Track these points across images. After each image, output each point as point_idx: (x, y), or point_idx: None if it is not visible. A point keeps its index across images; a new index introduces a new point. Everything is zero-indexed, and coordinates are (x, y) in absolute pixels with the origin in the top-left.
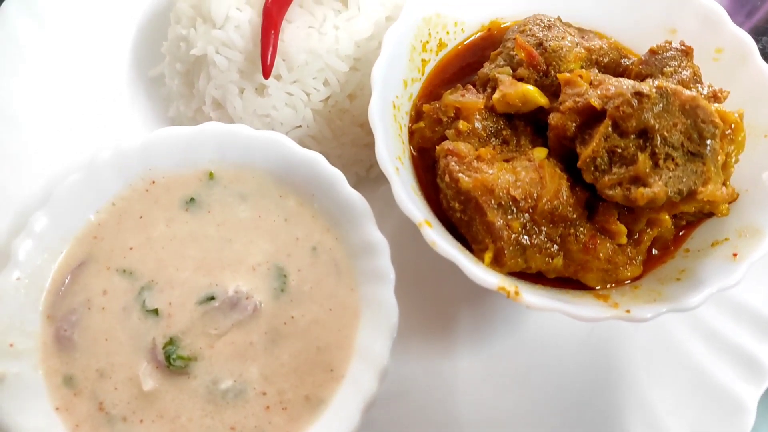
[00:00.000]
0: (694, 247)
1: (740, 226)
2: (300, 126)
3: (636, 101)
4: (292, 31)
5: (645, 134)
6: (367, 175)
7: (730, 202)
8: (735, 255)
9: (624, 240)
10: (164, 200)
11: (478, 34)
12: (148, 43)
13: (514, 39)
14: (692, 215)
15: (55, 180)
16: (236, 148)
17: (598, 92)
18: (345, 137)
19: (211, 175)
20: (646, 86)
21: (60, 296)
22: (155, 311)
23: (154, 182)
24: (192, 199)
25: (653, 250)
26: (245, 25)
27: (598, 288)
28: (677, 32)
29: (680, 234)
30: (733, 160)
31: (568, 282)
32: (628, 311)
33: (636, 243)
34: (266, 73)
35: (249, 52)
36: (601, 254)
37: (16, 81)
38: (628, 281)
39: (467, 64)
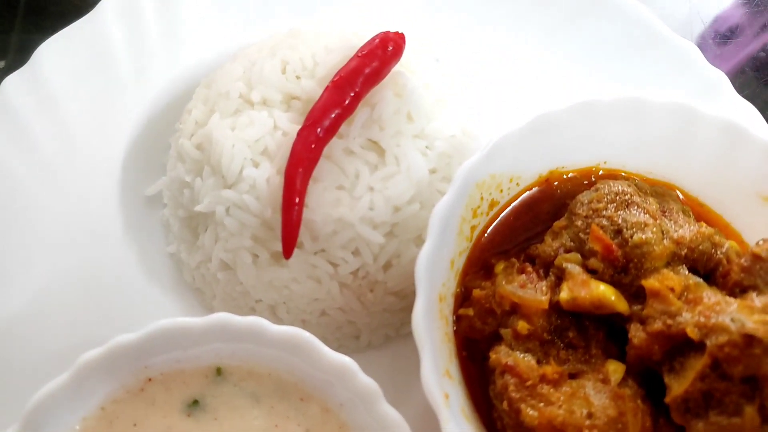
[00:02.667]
0: None
1: None
2: (320, 299)
3: (744, 343)
4: (319, 194)
5: (754, 381)
6: (397, 334)
7: None
8: None
9: None
10: (162, 402)
11: (535, 188)
12: (143, 149)
13: (586, 218)
14: None
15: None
16: (251, 343)
17: (696, 318)
18: (375, 307)
19: (219, 371)
20: (757, 325)
21: None
22: None
23: (150, 380)
24: (195, 402)
25: None
26: (262, 186)
27: None
28: None
29: None
30: None
31: None
32: None
33: None
34: (287, 253)
35: (265, 217)
36: None
37: None
38: None
39: (522, 224)
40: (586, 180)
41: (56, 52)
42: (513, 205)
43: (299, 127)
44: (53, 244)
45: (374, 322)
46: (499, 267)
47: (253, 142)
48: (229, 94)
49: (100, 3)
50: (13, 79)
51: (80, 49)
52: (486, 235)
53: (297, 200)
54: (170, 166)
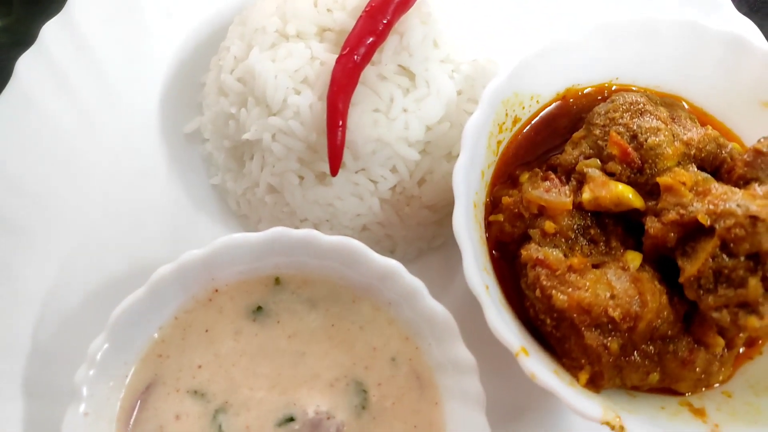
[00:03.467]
0: None
1: None
2: (363, 215)
3: (750, 224)
4: (357, 116)
5: (756, 257)
6: (429, 247)
7: None
8: None
9: (720, 349)
10: (229, 310)
11: (554, 104)
12: (176, 90)
13: (603, 127)
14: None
15: (106, 271)
16: (306, 254)
17: (706, 206)
18: (411, 220)
19: (277, 281)
20: (760, 208)
21: (132, 425)
22: None
23: (217, 291)
24: (259, 308)
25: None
26: (305, 111)
27: (687, 394)
28: None
29: None
30: None
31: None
32: None
33: (729, 347)
34: (334, 171)
35: (310, 140)
36: (698, 368)
37: (34, 148)
38: (718, 384)
39: (542, 138)
40: (600, 96)
41: None
42: (534, 121)
43: (335, 56)
44: (102, 186)
45: (410, 234)
46: (524, 177)
47: (293, 72)
48: (265, 29)
49: None
50: (50, 26)
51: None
52: (510, 149)
53: (340, 123)
54: (210, 102)
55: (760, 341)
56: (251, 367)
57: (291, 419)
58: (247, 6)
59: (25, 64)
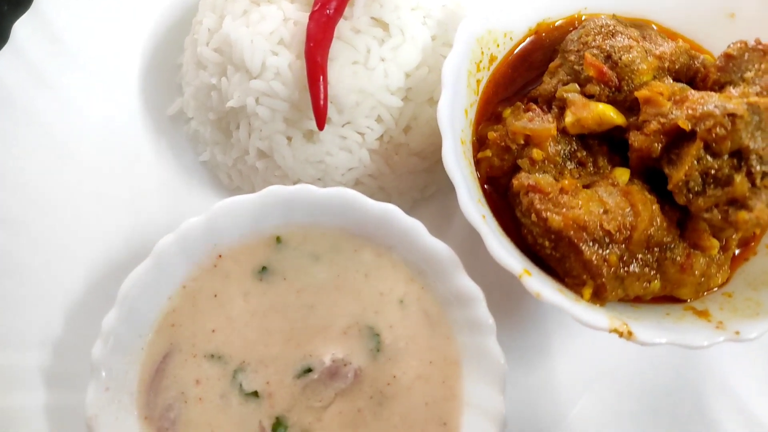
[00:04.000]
0: None
1: None
2: (356, 167)
3: (729, 122)
4: (337, 70)
5: (739, 154)
6: (422, 196)
7: None
8: None
9: (716, 252)
10: (235, 273)
11: (527, 39)
12: (154, 74)
13: (577, 52)
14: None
15: (107, 256)
16: (303, 209)
17: (686, 112)
18: (401, 168)
19: (278, 239)
20: (737, 105)
21: (152, 395)
22: (255, 393)
23: (220, 256)
24: (264, 268)
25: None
26: (285, 71)
27: (689, 300)
28: (736, 17)
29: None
30: None
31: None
32: (737, 333)
33: (724, 249)
34: (321, 124)
35: (293, 99)
36: (696, 270)
37: (21, 144)
38: (717, 287)
39: (520, 73)
40: (571, 27)
41: None
42: (510, 58)
43: (307, 14)
44: (93, 175)
45: (402, 185)
46: (507, 112)
47: (268, 35)
48: None
49: None
50: (20, 24)
51: None
52: (490, 87)
53: (321, 77)
54: (189, 79)
55: (753, 242)
56: (264, 325)
57: (309, 370)
58: None
59: (1, 65)
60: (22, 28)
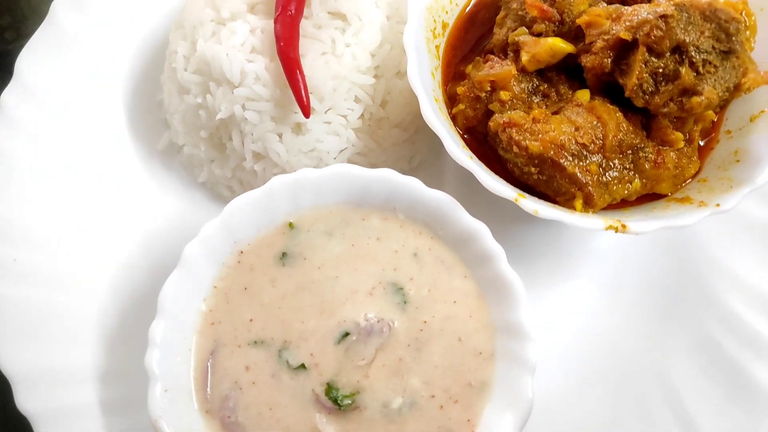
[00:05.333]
0: (735, 127)
1: None
2: (346, 148)
3: (663, 23)
4: (310, 64)
5: (678, 49)
6: (408, 166)
7: None
8: None
9: (682, 144)
10: (259, 265)
11: (471, 2)
12: (137, 117)
13: (518, 1)
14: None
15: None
16: (307, 192)
17: (624, 25)
18: (386, 142)
19: (291, 226)
20: (666, 7)
21: (208, 390)
22: (302, 366)
23: (242, 252)
24: (284, 254)
25: (699, 142)
26: (263, 74)
27: (670, 194)
28: None
29: (715, 120)
30: (752, 44)
31: (644, 197)
32: (718, 205)
33: (689, 142)
34: (307, 113)
35: (276, 98)
36: (669, 164)
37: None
38: (691, 179)
39: (471, 33)
40: None
41: (34, 59)
42: (460, 21)
43: (271, 21)
44: (95, 218)
45: (390, 158)
46: (469, 68)
47: (240, 46)
48: (203, 22)
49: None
50: (7, 93)
51: (51, 51)
52: (449, 51)
53: (297, 70)
54: (174, 108)
55: (714, 133)
56: (295, 304)
57: (347, 334)
58: (177, 12)
59: None
60: (8, 97)
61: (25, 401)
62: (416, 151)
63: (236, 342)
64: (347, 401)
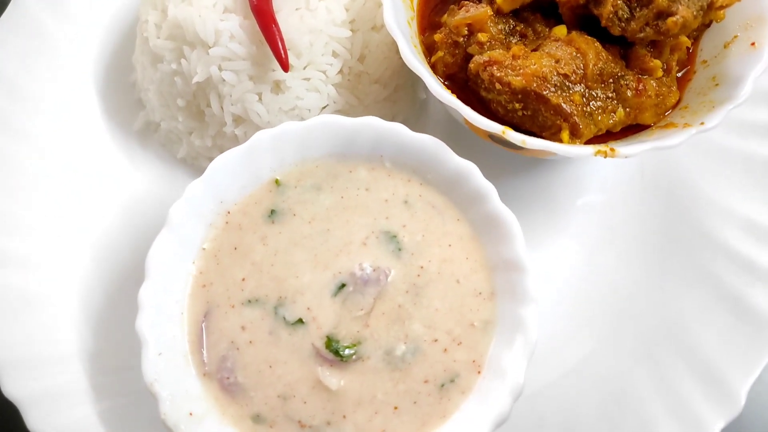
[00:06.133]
0: (710, 56)
1: (742, 21)
2: (327, 105)
3: None
4: (284, 19)
5: None
6: None
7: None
8: (753, 44)
9: (660, 72)
10: (247, 224)
11: None
12: (111, 100)
13: None
14: (695, 30)
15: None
16: (292, 145)
17: None
18: (367, 98)
19: (277, 182)
20: None
21: (205, 352)
22: (300, 321)
23: (229, 212)
24: (273, 211)
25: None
26: (238, 32)
27: (654, 123)
28: None
29: (690, 52)
30: None
31: (629, 129)
32: (702, 123)
33: (667, 72)
34: (285, 66)
35: (253, 55)
36: (650, 92)
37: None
38: (672, 108)
39: None
40: None
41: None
42: None
43: None
44: (81, 203)
45: (372, 114)
46: (444, 17)
47: (212, 7)
48: None
49: None
50: None
51: (18, 38)
52: (421, 4)
53: (272, 24)
54: (148, 81)
55: (690, 65)
56: (288, 260)
57: (343, 285)
58: None
59: None
60: None
61: (12, 387)
62: (397, 111)
63: (230, 302)
64: (349, 351)
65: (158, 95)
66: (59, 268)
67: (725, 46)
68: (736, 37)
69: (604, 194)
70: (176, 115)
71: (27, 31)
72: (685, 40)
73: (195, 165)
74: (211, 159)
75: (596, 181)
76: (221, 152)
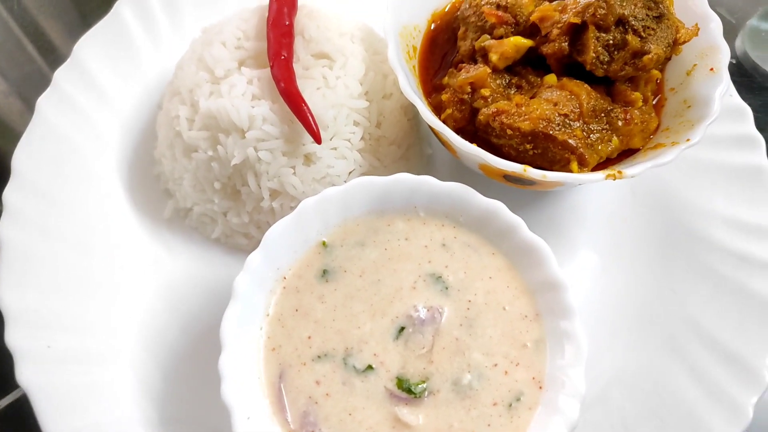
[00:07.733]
0: (676, 83)
1: (698, 52)
2: (354, 169)
3: (603, 3)
4: (308, 98)
5: (621, 22)
6: None
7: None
8: (712, 69)
9: (641, 102)
10: (303, 286)
11: (431, 26)
12: (135, 191)
13: (474, 14)
14: (659, 64)
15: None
16: (335, 207)
17: (571, 12)
18: (387, 159)
19: (324, 244)
20: None
21: (287, 410)
22: (369, 367)
23: (285, 278)
24: (325, 271)
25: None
26: (270, 115)
27: (642, 147)
28: None
29: (659, 82)
30: (672, 8)
31: (622, 155)
32: (688, 140)
33: (645, 101)
34: (318, 139)
35: (285, 134)
36: (636, 120)
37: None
38: (654, 132)
39: (437, 55)
40: (458, 5)
41: (28, 153)
42: (425, 45)
43: (263, 71)
44: (122, 299)
45: (391, 172)
46: (445, 79)
47: (242, 96)
48: (199, 84)
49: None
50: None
51: (43, 145)
52: (422, 71)
53: (302, 103)
54: (180, 171)
55: (660, 94)
56: (347, 312)
57: (402, 329)
58: (166, 83)
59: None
60: (9, 194)
61: None
62: (410, 167)
63: (300, 360)
64: (421, 387)
65: (193, 181)
66: (117, 360)
67: (687, 74)
68: (695, 65)
69: (605, 215)
70: (212, 198)
71: (51, 140)
72: (656, 73)
73: (229, 242)
74: (246, 234)
75: (595, 205)
76: (258, 227)
